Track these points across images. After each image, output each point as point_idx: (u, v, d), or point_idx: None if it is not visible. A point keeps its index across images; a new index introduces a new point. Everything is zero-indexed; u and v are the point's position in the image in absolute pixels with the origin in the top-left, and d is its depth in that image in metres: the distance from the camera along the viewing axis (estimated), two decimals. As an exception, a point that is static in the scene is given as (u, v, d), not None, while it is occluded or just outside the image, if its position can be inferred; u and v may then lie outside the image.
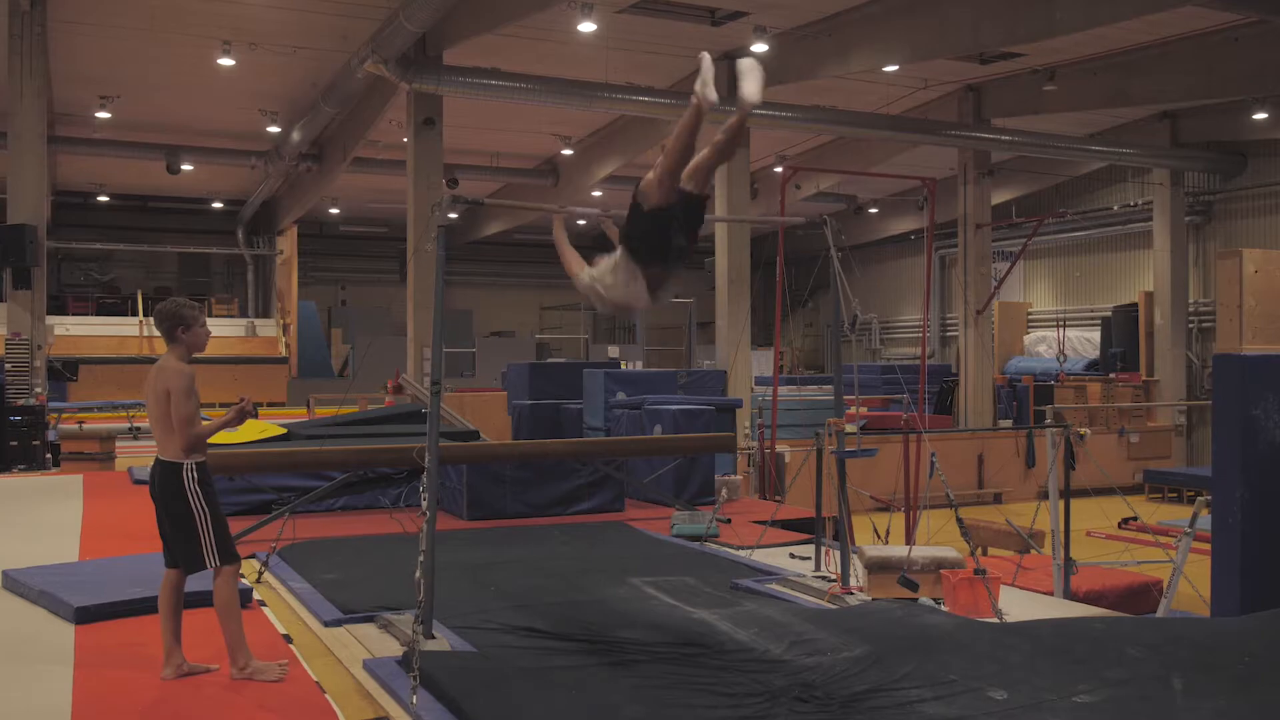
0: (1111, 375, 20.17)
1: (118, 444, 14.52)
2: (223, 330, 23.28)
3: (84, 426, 16.34)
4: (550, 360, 22.47)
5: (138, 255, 26.98)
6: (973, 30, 13.46)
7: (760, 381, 17.65)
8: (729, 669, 4.69)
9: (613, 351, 23.84)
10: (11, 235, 13.72)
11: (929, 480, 7.48)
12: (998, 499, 15.94)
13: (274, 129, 18.96)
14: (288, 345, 24.71)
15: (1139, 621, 5.65)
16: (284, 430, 10.74)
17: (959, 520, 6.62)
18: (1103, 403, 18.77)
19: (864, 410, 16.44)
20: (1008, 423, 18.61)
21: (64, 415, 16.85)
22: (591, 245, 5.55)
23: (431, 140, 14.83)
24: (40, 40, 13.96)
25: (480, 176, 22.33)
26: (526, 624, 5.51)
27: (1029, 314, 24.08)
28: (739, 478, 11.30)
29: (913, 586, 6.11)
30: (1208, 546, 5.85)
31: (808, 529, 8.41)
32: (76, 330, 22.75)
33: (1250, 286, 16.56)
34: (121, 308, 25.30)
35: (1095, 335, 22.09)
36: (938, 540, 7.84)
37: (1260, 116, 17.25)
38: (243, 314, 26.47)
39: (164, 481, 4.81)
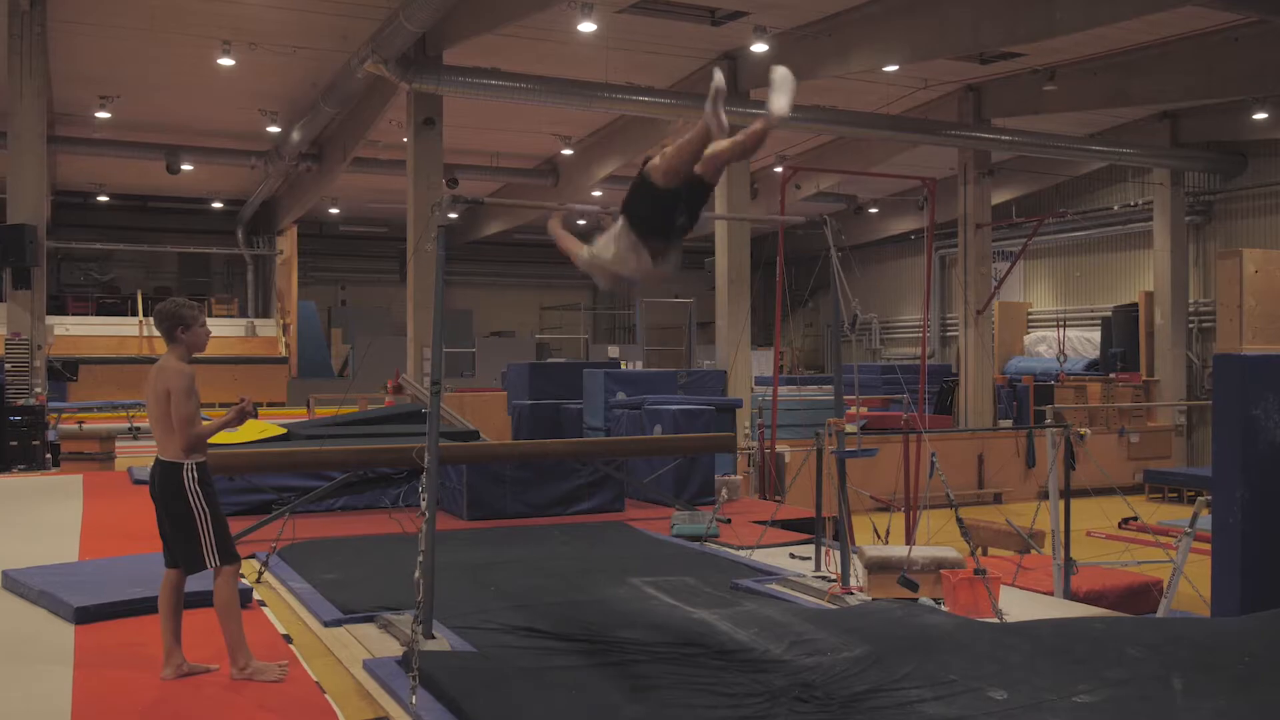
0: (1111, 375, 20.17)
1: (118, 444, 14.52)
2: (223, 330, 23.27)
3: (84, 426, 16.33)
4: (550, 360, 22.47)
5: (138, 255, 26.98)
6: (973, 30, 13.46)
7: (760, 381, 17.65)
8: (729, 669, 4.69)
9: (613, 351, 23.83)
10: (11, 235, 13.72)
11: (929, 480, 7.48)
12: (998, 499, 15.93)
13: (274, 129, 18.95)
14: (288, 345, 24.71)
15: (1139, 621, 5.65)
16: (284, 430, 10.75)
17: (959, 520, 6.62)
18: (1103, 403, 18.77)
19: (864, 410, 16.44)
20: (1008, 423, 18.61)
21: (64, 415, 16.86)
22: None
23: (431, 140, 14.83)
24: (40, 40, 13.96)
25: (480, 176, 22.33)
26: (526, 624, 5.51)
27: (1029, 314, 24.08)
28: (739, 478, 11.30)
29: (913, 586, 6.11)
30: (1208, 546, 5.85)
31: (808, 529, 8.41)
32: (76, 330, 22.75)
33: (1250, 286, 16.56)
34: (121, 308, 25.30)
35: (1095, 335, 22.09)
36: (938, 540, 7.84)
37: (1260, 116, 17.25)
38: (243, 314, 26.46)
39: (164, 481, 4.81)
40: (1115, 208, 22.07)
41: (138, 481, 11.52)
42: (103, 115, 18.15)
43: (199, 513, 4.77)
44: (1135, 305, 20.75)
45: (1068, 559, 7.16)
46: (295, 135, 18.41)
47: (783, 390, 14.01)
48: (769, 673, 4.61)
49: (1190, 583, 6.37)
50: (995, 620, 5.64)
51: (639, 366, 19.00)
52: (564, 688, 4.49)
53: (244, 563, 5.57)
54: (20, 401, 13.65)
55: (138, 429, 16.54)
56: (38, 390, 13.97)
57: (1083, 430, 7.72)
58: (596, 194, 22.48)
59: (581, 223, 9.60)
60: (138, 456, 14.32)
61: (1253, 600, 5.43)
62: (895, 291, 28.13)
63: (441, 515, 8.25)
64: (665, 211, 4.60)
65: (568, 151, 20.91)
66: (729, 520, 9.07)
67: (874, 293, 27.37)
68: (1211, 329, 19.42)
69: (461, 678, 4.50)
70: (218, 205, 26.46)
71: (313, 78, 16.53)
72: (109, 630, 5.65)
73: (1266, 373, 5.63)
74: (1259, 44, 14.55)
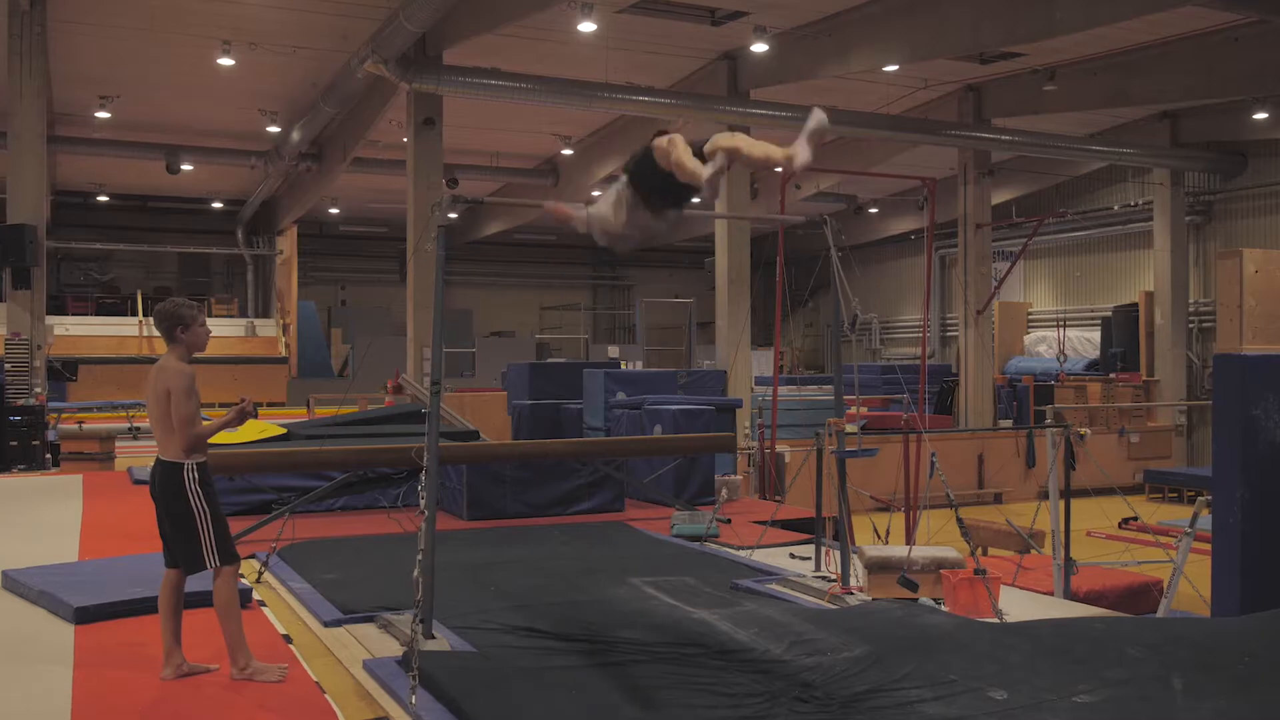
0: (1112, 375, 20.16)
1: (117, 444, 14.52)
2: (222, 330, 23.27)
3: (84, 426, 16.33)
4: (550, 360, 22.47)
5: (137, 255, 26.98)
6: (973, 30, 13.46)
7: (760, 381, 17.65)
8: (729, 669, 4.69)
9: (613, 351, 23.84)
10: (11, 235, 13.72)
11: (929, 480, 7.47)
12: (998, 499, 15.93)
13: (274, 129, 18.96)
14: (287, 345, 24.72)
15: (1139, 621, 5.65)
16: (284, 430, 10.75)
17: (959, 520, 6.62)
18: (1103, 403, 18.77)
19: (864, 410, 16.43)
20: (1008, 423, 18.61)
21: (64, 415, 16.86)
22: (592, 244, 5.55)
23: (431, 140, 14.83)
24: (40, 40, 13.96)
25: (480, 176, 22.34)
26: (526, 624, 5.51)
27: (1029, 314, 24.08)
28: (739, 478, 11.30)
29: (913, 586, 6.11)
30: (1208, 546, 5.85)
31: (808, 529, 8.41)
32: (76, 330, 22.76)
33: (1250, 286, 16.56)
34: (121, 308, 25.30)
35: (1095, 335, 22.09)
36: (938, 540, 7.84)
37: (1260, 116, 17.25)
38: (242, 314, 26.46)
39: (164, 481, 4.81)
40: (1115, 208, 22.07)
41: (138, 481, 11.52)
42: (103, 115, 18.15)
43: (199, 513, 4.77)
44: (1135, 305, 20.75)
45: (1068, 559, 7.16)
46: (295, 135, 18.41)
47: (783, 390, 14.00)
48: (769, 673, 4.61)
49: (1190, 583, 6.37)
50: (995, 620, 5.64)
51: (639, 366, 19.00)
52: (564, 688, 4.49)
53: (244, 563, 5.57)
54: (20, 401, 13.65)
55: (138, 429, 16.54)
56: (37, 390, 13.97)
57: (1083, 430, 7.72)
58: (596, 194, 22.35)
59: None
60: (138, 456, 14.32)
61: (1253, 600, 5.43)
62: (895, 291, 28.13)
63: (441, 515, 8.24)
64: (663, 191, 4.77)
65: (568, 151, 20.92)
66: (729, 520, 9.07)
67: (874, 293, 27.38)
68: (1211, 329, 19.42)
69: (461, 678, 4.50)
70: (218, 205, 26.47)
71: (313, 78, 16.53)
72: (109, 630, 5.65)
73: (1266, 373, 5.63)
74: (1259, 44, 14.55)
